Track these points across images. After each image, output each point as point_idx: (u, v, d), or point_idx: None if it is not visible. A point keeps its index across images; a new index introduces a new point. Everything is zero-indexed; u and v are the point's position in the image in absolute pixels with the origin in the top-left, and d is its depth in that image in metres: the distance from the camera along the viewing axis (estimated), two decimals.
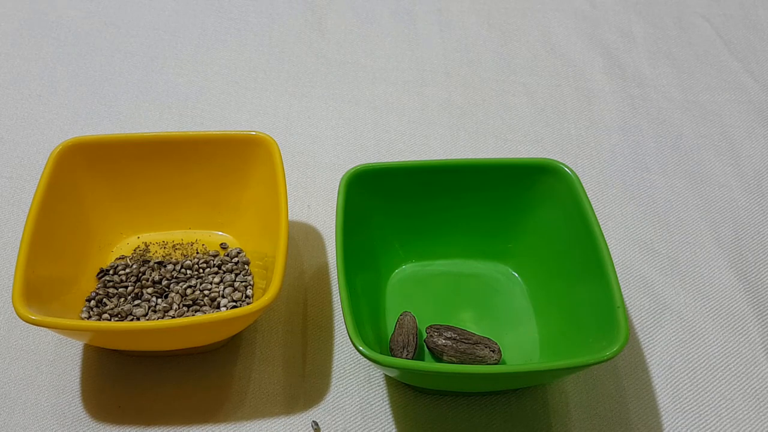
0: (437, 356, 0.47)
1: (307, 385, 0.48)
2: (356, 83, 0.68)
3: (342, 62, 0.69)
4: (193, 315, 0.48)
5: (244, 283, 0.50)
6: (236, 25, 0.73)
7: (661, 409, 0.47)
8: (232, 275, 0.50)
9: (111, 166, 0.51)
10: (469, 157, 0.62)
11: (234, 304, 0.49)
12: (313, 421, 0.46)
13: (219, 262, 0.51)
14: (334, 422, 0.46)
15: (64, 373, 0.48)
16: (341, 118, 0.65)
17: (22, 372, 0.48)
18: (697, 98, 0.67)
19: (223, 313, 0.45)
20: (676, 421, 0.47)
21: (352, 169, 0.49)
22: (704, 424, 0.47)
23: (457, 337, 0.46)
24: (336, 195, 0.48)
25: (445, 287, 0.51)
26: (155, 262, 0.51)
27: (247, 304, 0.49)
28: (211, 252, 0.53)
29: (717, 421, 0.47)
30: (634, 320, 0.52)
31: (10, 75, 0.67)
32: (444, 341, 0.46)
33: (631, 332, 0.51)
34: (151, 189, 0.53)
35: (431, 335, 0.47)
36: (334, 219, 0.46)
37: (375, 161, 0.50)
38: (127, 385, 0.47)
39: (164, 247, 0.53)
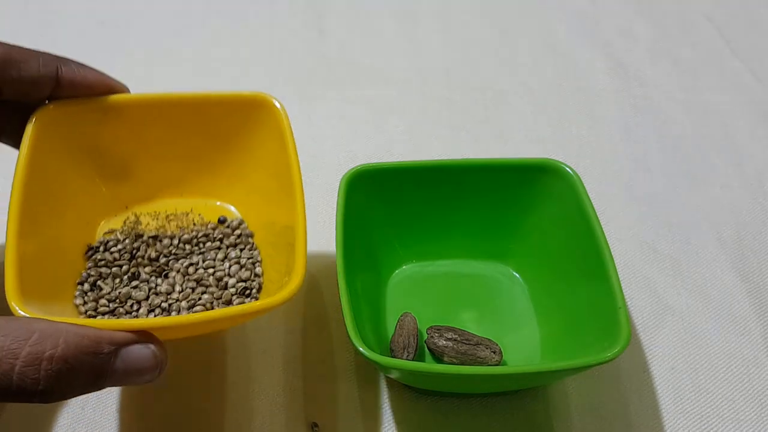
0: (438, 357, 0.47)
1: (307, 385, 0.47)
2: (356, 83, 0.67)
3: (342, 62, 0.69)
4: (199, 298, 0.44)
5: (251, 260, 0.46)
6: (236, 25, 0.72)
7: (663, 411, 0.47)
8: (237, 250, 0.46)
9: (93, 129, 0.45)
10: (469, 157, 0.62)
11: (243, 284, 0.45)
12: (313, 422, 0.46)
13: (220, 235, 0.47)
14: (334, 422, 0.46)
15: None
16: (341, 118, 0.64)
17: None
18: (699, 98, 0.67)
19: (252, 304, 0.40)
20: (678, 422, 0.47)
21: (352, 169, 0.48)
22: (706, 426, 0.47)
23: (458, 338, 0.46)
24: (336, 195, 0.47)
25: (445, 288, 0.51)
26: (149, 237, 0.46)
27: (258, 283, 0.45)
28: (210, 224, 0.48)
29: (719, 422, 0.47)
30: (635, 321, 0.51)
31: None
32: (444, 342, 0.46)
33: (633, 333, 0.51)
34: (137, 152, 0.47)
35: (432, 336, 0.47)
36: (334, 219, 0.46)
37: (375, 161, 0.50)
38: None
39: (156, 219, 0.48)
